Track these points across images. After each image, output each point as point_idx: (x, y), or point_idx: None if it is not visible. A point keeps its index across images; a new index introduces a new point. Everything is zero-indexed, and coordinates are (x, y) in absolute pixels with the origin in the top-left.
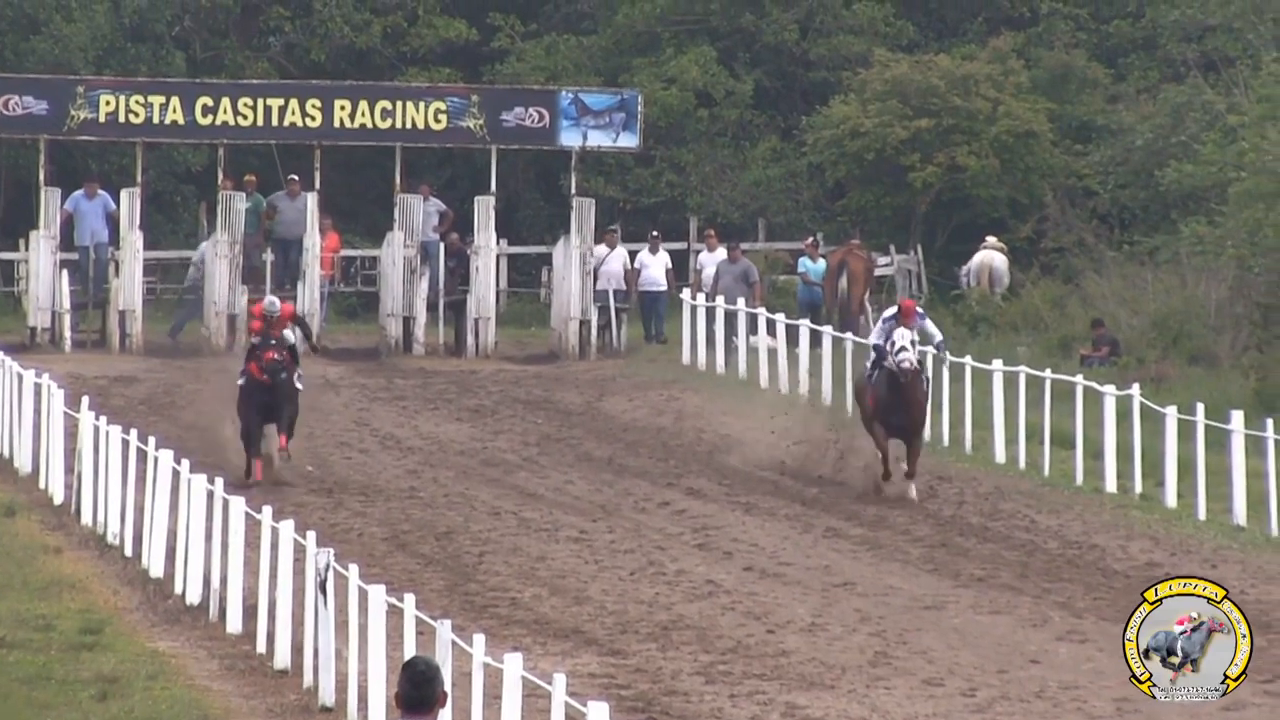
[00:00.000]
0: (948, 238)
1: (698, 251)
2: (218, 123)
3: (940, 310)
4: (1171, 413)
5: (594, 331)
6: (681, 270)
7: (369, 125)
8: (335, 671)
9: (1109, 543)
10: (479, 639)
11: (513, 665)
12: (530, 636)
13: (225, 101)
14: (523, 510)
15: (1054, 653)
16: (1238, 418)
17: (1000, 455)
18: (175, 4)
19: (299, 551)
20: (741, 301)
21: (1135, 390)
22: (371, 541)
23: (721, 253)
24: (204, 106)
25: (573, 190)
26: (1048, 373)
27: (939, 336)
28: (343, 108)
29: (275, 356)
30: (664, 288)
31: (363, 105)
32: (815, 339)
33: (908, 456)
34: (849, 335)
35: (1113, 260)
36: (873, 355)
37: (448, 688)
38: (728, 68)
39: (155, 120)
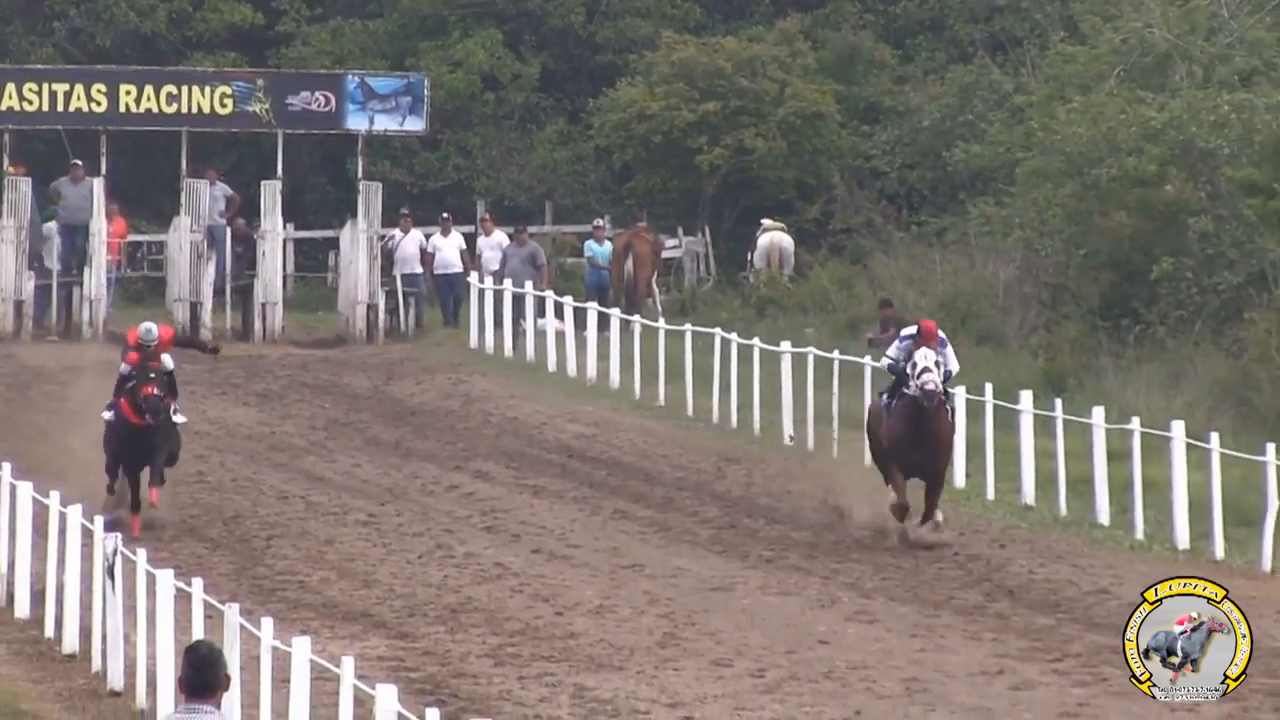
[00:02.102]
0: (735, 220)
1: (473, 235)
2: (3, 108)
3: (728, 292)
4: (960, 393)
5: (381, 316)
6: (471, 254)
7: (155, 110)
8: (124, 656)
9: (896, 524)
10: (267, 622)
11: (301, 649)
12: (319, 620)
13: (10, 87)
14: (310, 494)
15: (843, 633)
16: (1026, 398)
17: (789, 436)
18: None
19: (87, 536)
20: (529, 285)
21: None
22: (159, 526)
23: (499, 237)
24: None
25: (359, 174)
26: (836, 354)
27: (955, 368)
28: (128, 92)
29: (154, 392)
30: (460, 269)
31: (148, 90)
32: (603, 322)
33: (926, 497)
34: (636, 318)
35: (900, 241)
36: (888, 385)
37: (235, 671)
38: (514, 51)
39: None
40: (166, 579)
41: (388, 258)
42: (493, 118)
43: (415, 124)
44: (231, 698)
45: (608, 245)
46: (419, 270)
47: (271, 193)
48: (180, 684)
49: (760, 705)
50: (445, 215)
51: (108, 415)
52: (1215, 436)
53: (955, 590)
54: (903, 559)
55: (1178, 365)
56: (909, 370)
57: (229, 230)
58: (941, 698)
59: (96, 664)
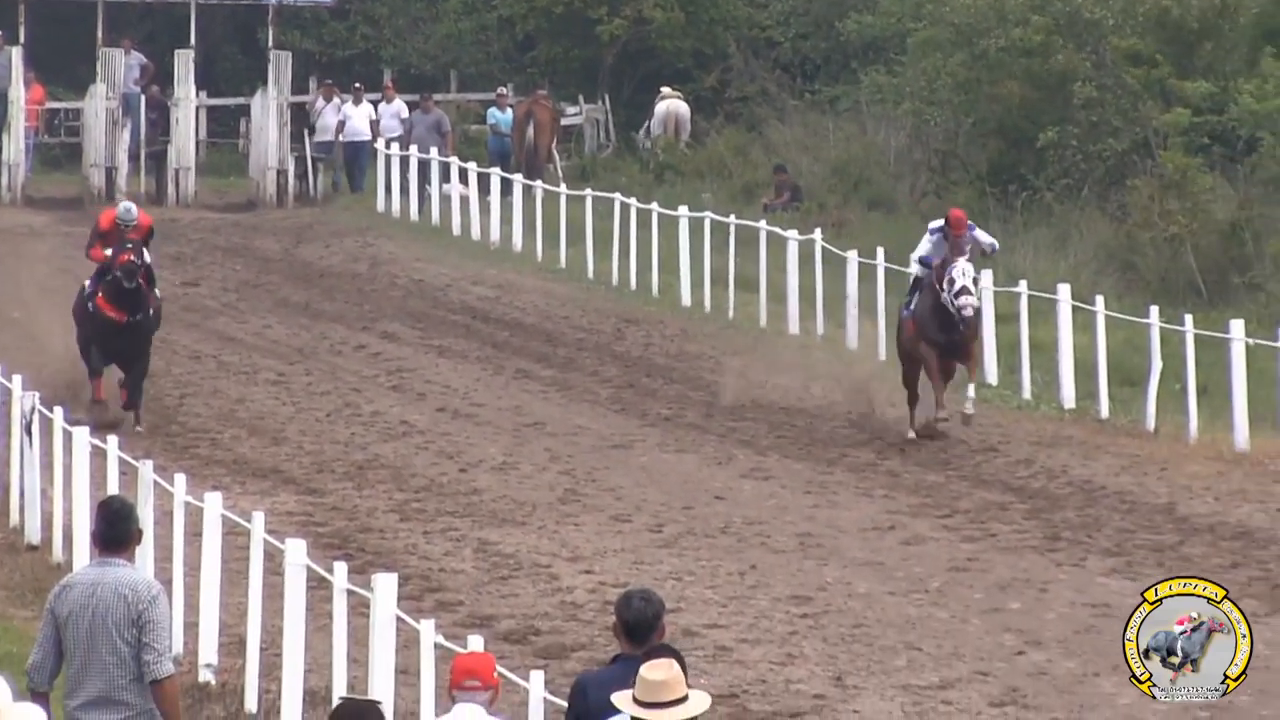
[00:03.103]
0: (634, 88)
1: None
2: None
3: (627, 158)
4: (853, 257)
5: (291, 181)
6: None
7: None
8: (41, 511)
9: (791, 382)
10: (180, 478)
11: (213, 504)
12: (230, 476)
13: None
14: (222, 354)
15: (738, 489)
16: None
17: (687, 298)
18: None
19: (5, 395)
20: (434, 150)
21: (817, 235)
22: (76, 386)
23: (399, 105)
24: None
25: (270, 44)
26: (732, 218)
27: (993, 243)
28: None
29: (132, 260)
30: (368, 137)
31: None
32: (506, 187)
33: (968, 365)
34: (538, 183)
35: (795, 109)
36: (915, 276)
37: (149, 526)
38: None
39: None
40: (83, 436)
41: (313, 127)
42: None
43: None
44: (144, 552)
45: (510, 113)
46: (362, 138)
47: (185, 61)
48: (94, 538)
49: (658, 559)
50: (357, 85)
51: (88, 304)
52: (1100, 299)
53: (848, 448)
54: (795, 417)
55: (1064, 230)
56: (946, 286)
57: (143, 98)
58: (834, 552)
59: (14, 519)
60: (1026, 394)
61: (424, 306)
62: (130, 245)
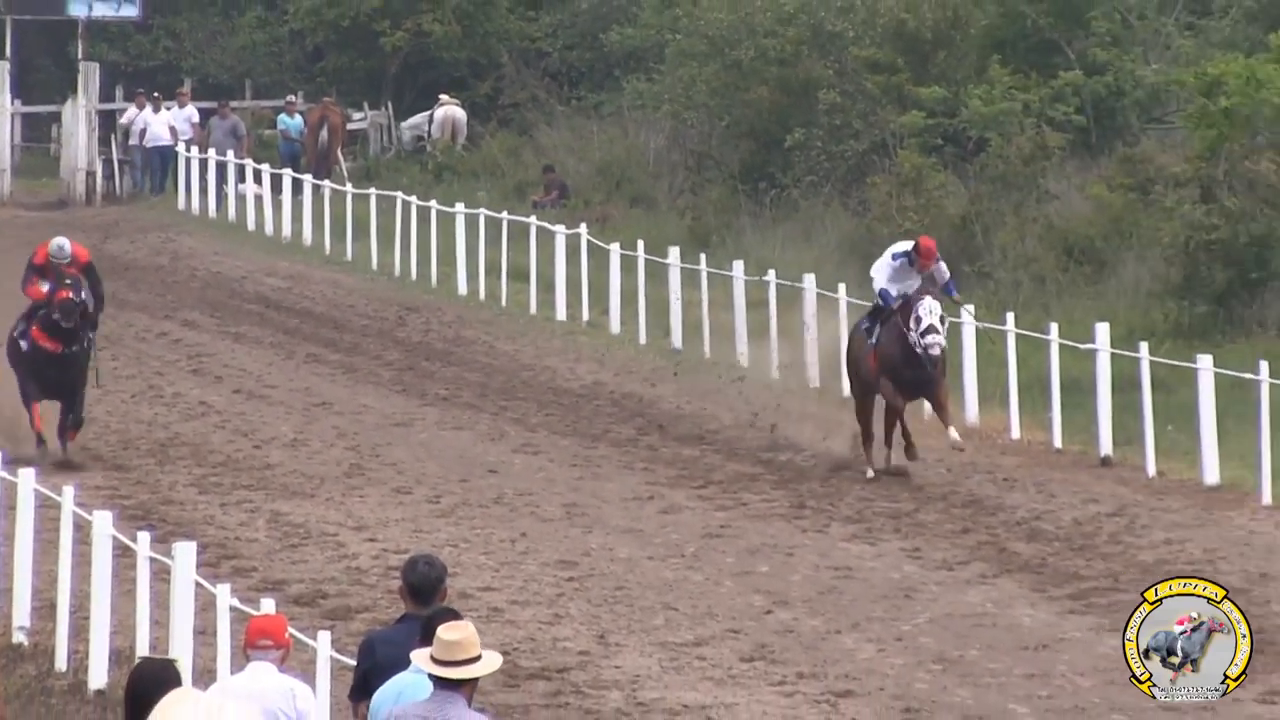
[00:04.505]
0: (415, 95)
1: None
2: None
3: (409, 160)
4: (615, 249)
5: (99, 182)
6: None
7: None
8: None
9: (559, 365)
10: None
11: (26, 479)
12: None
13: None
14: None
15: (510, 463)
16: (674, 253)
17: (463, 288)
18: None
19: None
20: (231, 153)
21: (583, 229)
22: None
23: (190, 110)
24: None
25: (80, 56)
26: (505, 215)
27: (949, 279)
28: None
29: (70, 298)
30: (168, 142)
31: None
32: (296, 186)
33: (937, 408)
34: (326, 183)
35: (562, 114)
36: (875, 304)
37: None
38: None
39: None
40: None
41: (124, 131)
42: (198, 4)
43: (130, 10)
44: None
45: (298, 118)
46: (162, 142)
47: (1, 72)
48: None
49: (436, 528)
50: (155, 94)
51: (20, 341)
52: (843, 287)
53: (611, 425)
54: (562, 396)
55: (809, 224)
56: (912, 324)
57: None
58: (598, 520)
59: None
60: (775, 374)
61: (221, 296)
62: (70, 282)
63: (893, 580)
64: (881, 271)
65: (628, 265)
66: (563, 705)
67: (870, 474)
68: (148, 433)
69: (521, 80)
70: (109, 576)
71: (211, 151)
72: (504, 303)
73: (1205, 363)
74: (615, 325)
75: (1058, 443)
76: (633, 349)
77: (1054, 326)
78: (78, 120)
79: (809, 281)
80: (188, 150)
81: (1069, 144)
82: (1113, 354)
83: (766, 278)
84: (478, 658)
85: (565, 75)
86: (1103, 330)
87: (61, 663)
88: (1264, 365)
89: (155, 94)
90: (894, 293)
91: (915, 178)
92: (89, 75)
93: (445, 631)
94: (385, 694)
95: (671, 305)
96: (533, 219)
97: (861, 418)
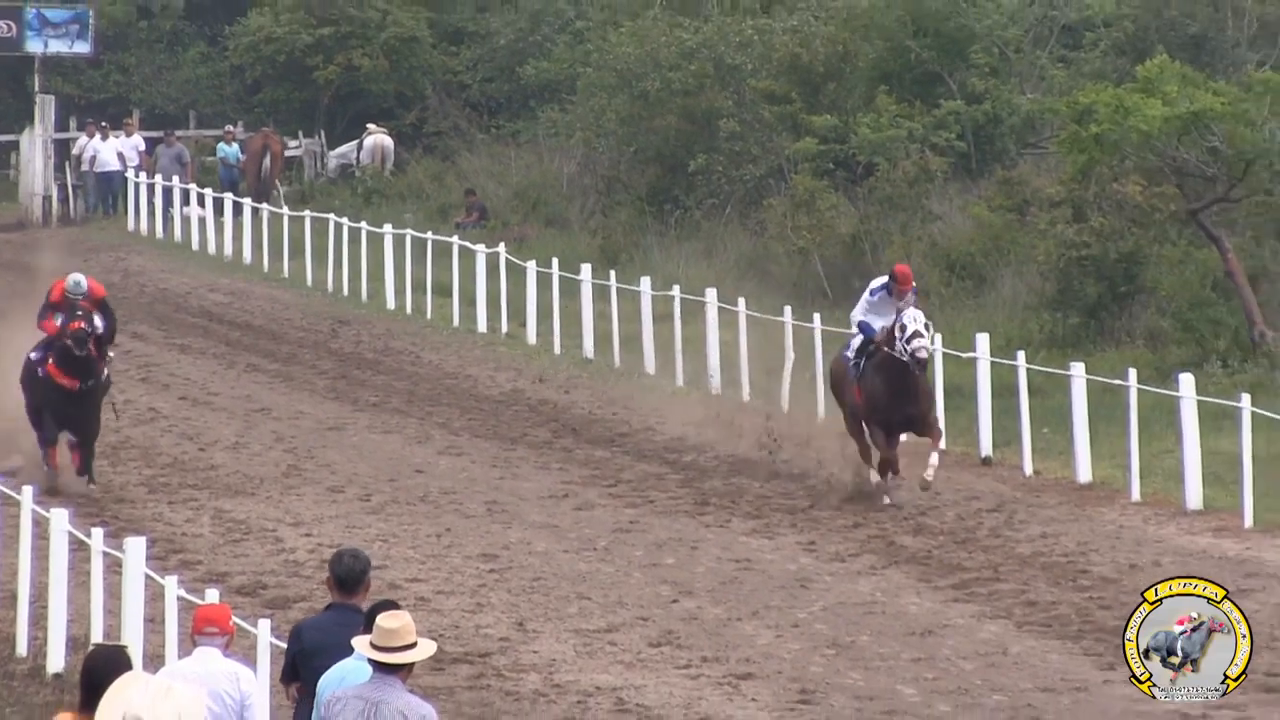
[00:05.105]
0: (346, 125)
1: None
2: None
3: (340, 184)
4: (532, 266)
5: (55, 205)
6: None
7: None
8: None
9: (480, 373)
10: None
11: None
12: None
13: None
14: None
15: (435, 464)
16: (586, 270)
17: (391, 303)
18: None
19: None
20: (176, 179)
21: (501, 248)
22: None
23: (137, 139)
24: None
25: (37, 89)
26: (429, 235)
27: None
28: None
29: (83, 327)
30: (117, 168)
31: None
32: (237, 209)
33: (931, 436)
34: (264, 206)
35: (482, 142)
36: (855, 340)
37: None
38: None
39: None
40: None
41: (77, 159)
42: (146, 41)
43: (82, 47)
44: None
45: (235, 146)
46: (111, 169)
47: None
48: None
49: (367, 524)
50: (104, 124)
51: (38, 370)
52: (742, 301)
53: (528, 428)
54: (484, 403)
55: (710, 242)
56: (897, 333)
57: None
58: (517, 517)
59: None
60: (680, 382)
61: (168, 310)
62: (81, 314)
63: (789, 571)
64: (860, 309)
65: (543, 281)
66: (485, 687)
67: (874, 479)
68: (100, 437)
69: (444, 110)
70: (65, 569)
71: (158, 177)
72: (429, 316)
73: (1078, 370)
74: (532, 337)
75: (942, 444)
76: (548, 359)
77: (938, 337)
78: (35, 148)
79: (711, 296)
80: (136, 176)
81: (951, 168)
82: (992, 362)
83: (671, 292)
84: (413, 644)
85: (485, 106)
86: (983, 340)
87: (22, 648)
88: (1132, 373)
89: (104, 124)
90: (876, 325)
91: (808, 200)
92: (45, 107)
93: (384, 620)
94: (329, 678)
95: (584, 318)
96: (455, 239)
97: (854, 434)
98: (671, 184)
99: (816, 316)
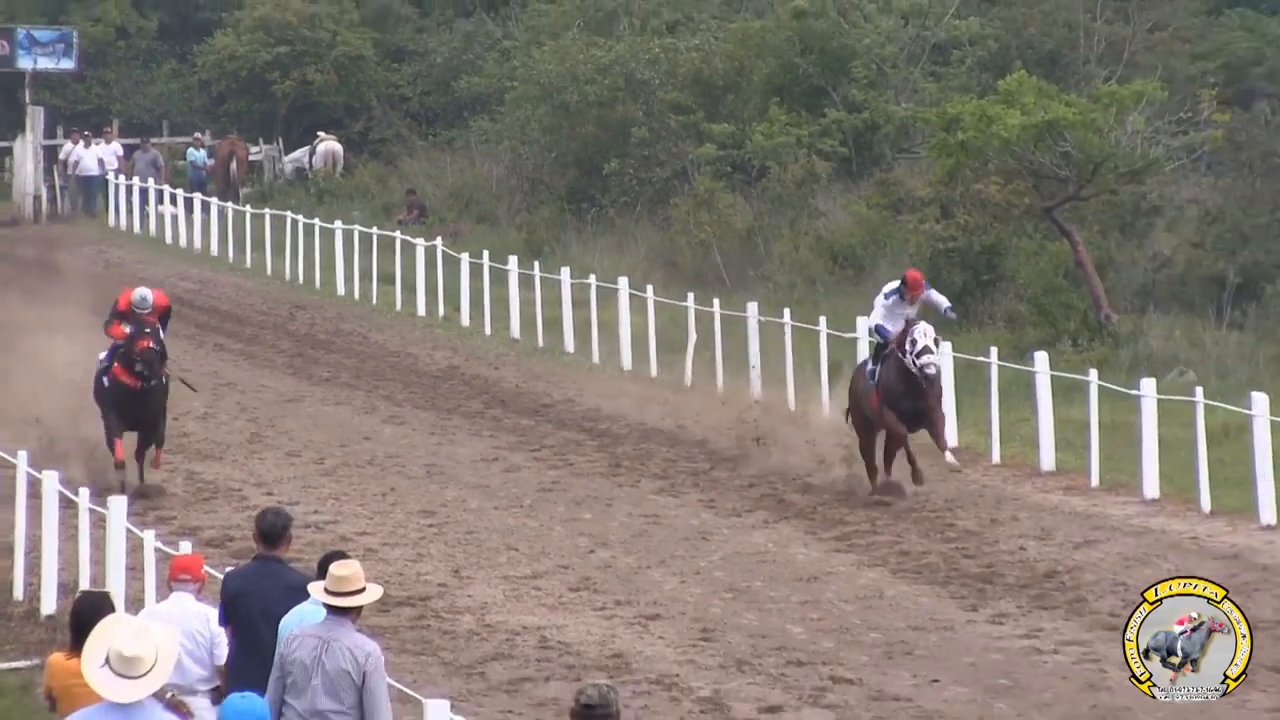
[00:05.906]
0: (301, 132)
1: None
2: None
3: (297, 186)
4: (465, 258)
5: (44, 205)
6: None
7: None
8: None
9: (420, 352)
10: None
11: None
12: None
13: None
14: None
15: (381, 432)
16: (513, 261)
17: (341, 290)
18: None
19: None
20: (152, 181)
21: (438, 242)
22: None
23: (115, 146)
24: None
25: (27, 101)
26: (375, 230)
27: (946, 303)
28: None
29: (151, 346)
30: (97, 173)
31: None
32: (205, 207)
33: (934, 434)
34: (230, 204)
35: (421, 148)
36: (873, 343)
37: None
38: (138, 10)
39: None
40: None
41: (63, 164)
42: (124, 59)
43: (68, 64)
44: None
45: (203, 151)
46: (92, 173)
47: None
48: None
49: (321, 484)
50: (87, 132)
51: (103, 379)
52: (650, 288)
53: (463, 400)
54: (423, 378)
55: (623, 237)
56: (908, 347)
57: None
58: (452, 478)
59: None
60: (596, 359)
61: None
62: (149, 331)
63: (692, 525)
64: (876, 314)
65: (475, 271)
66: (425, 627)
67: (875, 497)
68: (79, 411)
69: (388, 120)
70: (57, 524)
71: (135, 179)
72: (375, 302)
73: (946, 349)
74: (466, 319)
75: (826, 413)
76: (480, 339)
77: (823, 320)
78: (26, 154)
79: (623, 283)
80: (116, 178)
81: (834, 170)
82: (870, 342)
83: (588, 280)
84: (362, 589)
85: (423, 116)
86: (863, 322)
87: (19, 593)
88: (994, 350)
89: (87, 132)
90: (890, 328)
91: (709, 199)
92: (35, 117)
93: (336, 568)
94: (289, 620)
95: (511, 303)
96: (398, 233)
97: (865, 453)
98: (588, 185)
99: (716, 301)
